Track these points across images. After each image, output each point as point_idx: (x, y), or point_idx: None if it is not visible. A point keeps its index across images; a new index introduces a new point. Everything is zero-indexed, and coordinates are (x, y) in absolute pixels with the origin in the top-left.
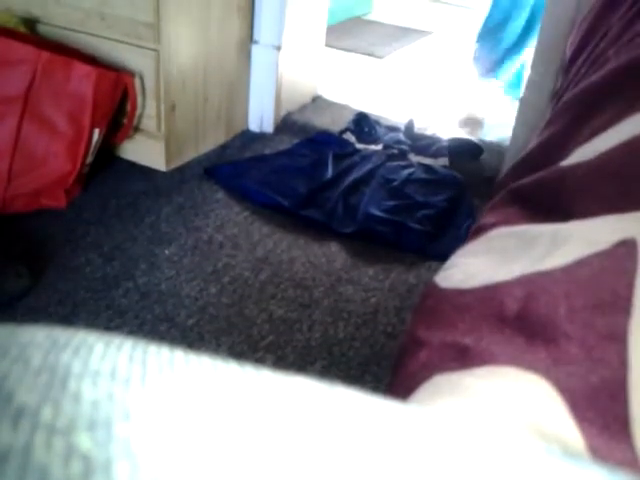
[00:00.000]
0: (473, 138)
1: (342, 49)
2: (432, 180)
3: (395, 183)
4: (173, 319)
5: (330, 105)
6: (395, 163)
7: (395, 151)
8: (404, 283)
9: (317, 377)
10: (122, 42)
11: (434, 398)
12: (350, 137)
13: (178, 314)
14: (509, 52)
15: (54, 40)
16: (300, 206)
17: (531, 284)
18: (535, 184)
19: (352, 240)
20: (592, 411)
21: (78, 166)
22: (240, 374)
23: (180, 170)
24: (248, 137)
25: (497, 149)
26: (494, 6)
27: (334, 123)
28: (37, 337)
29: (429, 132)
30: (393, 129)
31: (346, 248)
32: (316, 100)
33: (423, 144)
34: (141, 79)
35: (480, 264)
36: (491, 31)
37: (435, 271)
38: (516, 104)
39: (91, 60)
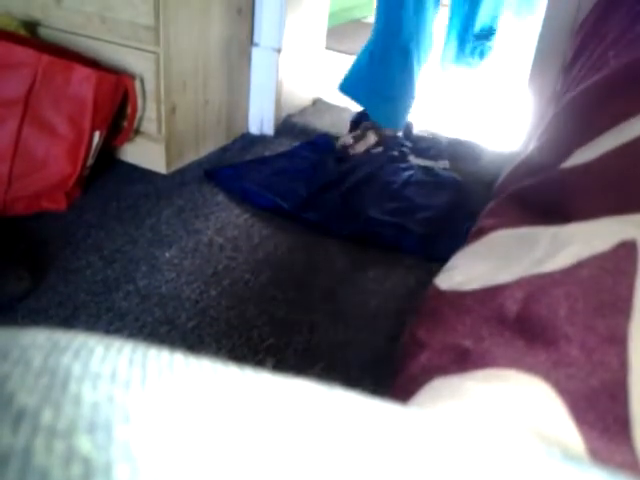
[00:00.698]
0: (473, 140)
1: (342, 52)
2: (432, 182)
3: (395, 185)
4: (173, 321)
5: (330, 108)
6: (395, 165)
7: (395, 153)
8: (404, 286)
9: (317, 380)
10: (122, 45)
11: (435, 401)
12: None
13: (178, 317)
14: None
15: (54, 43)
16: (300, 208)
17: (531, 286)
18: (535, 186)
19: (352, 242)
20: (592, 413)
21: (78, 169)
22: (240, 377)
23: (180, 172)
24: (248, 140)
25: (497, 151)
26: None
27: (334, 126)
28: (38, 340)
29: (428, 134)
30: (393, 132)
31: (346, 250)
32: (316, 103)
33: (423, 146)
34: (141, 82)
35: (480, 266)
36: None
37: (436, 274)
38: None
39: (91, 63)
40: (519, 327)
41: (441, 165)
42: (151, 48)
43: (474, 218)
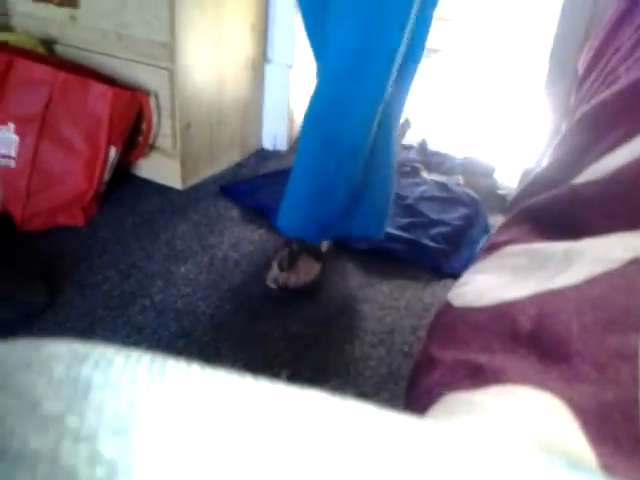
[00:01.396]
0: (486, 156)
1: None
2: (446, 198)
3: (409, 200)
4: (190, 335)
5: None
6: (409, 180)
7: (407, 168)
8: (420, 301)
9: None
10: (138, 62)
11: (448, 416)
12: None
13: (195, 330)
14: None
15: (71, 60)
16: None
17: (543, 302)
18: (547, 202)
19: (367, 257)
20: (605, 430)
21: (95, 184)
22: (255, 387)
23: (195, 188)
24: (262, 155)
25: (511, 167)
26: None
27: None
28: (58, 350)
29: (442, 150)
30: (406, 147)
31: (361, 265)
32: None
33: (435, 161)
34: (156, 98)
35: (492, 282)
36: None
37: (450, 289)
38: None
39: (107, 80)
40: (532, 343)
41: (454, 180)
42: (165, 65)
43: (488, 233)
